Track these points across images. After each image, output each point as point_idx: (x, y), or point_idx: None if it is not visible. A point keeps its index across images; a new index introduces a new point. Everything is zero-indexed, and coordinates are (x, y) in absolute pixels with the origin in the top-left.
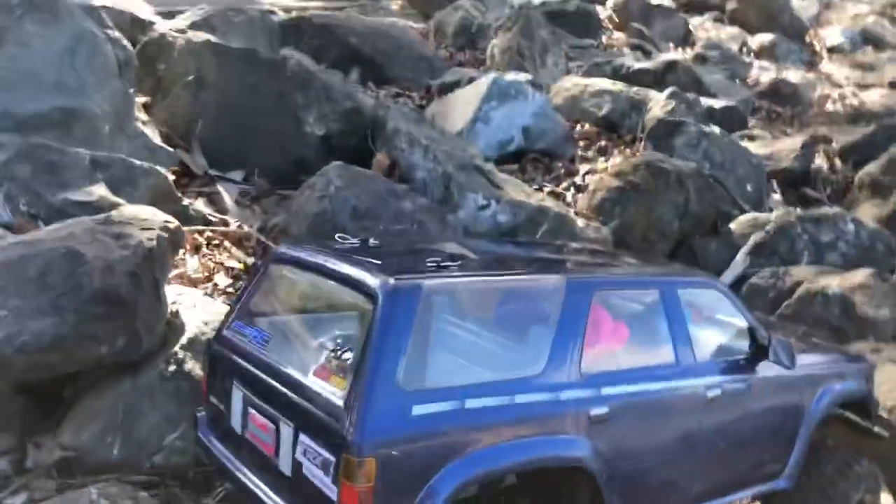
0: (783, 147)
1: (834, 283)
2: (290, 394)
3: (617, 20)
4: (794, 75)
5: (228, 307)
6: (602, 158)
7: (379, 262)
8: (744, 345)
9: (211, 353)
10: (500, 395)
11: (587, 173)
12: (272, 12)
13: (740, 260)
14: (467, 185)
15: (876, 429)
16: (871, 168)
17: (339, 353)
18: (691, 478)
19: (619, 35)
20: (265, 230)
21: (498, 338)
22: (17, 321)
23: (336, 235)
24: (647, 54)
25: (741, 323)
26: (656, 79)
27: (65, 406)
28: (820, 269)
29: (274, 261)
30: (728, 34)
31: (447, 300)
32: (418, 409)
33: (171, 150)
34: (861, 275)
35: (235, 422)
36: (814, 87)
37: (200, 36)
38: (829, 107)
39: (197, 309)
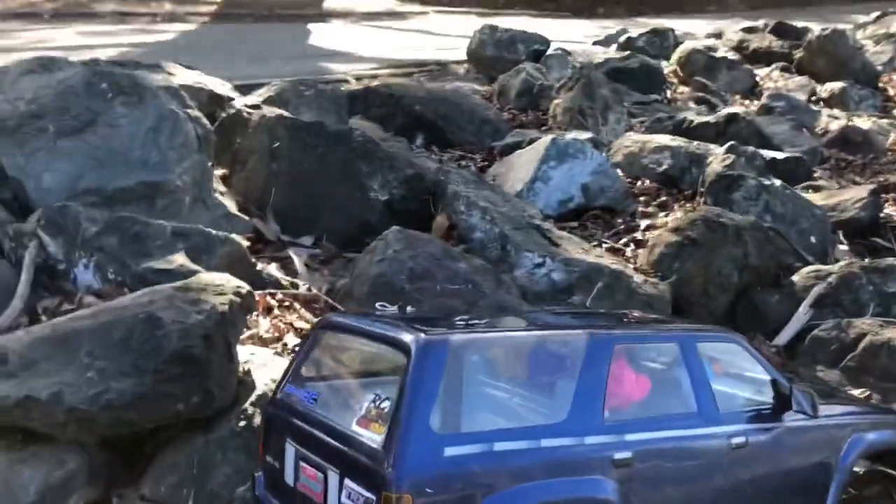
0: (849, 196)
1: None
2: (335, 443)
3: (681, 74)
4: (865, 122)
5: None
6: (662, 213)
7: (413, 323)
8: (766, 395)
9: (266, 416)
10: (526, 439)
11: (647, 229)
12: (343, 81)
13: (802, 312)
14: (523, 245)
15: None
16: None
17: (379, 402)
18: None
19: (683, 89)
20: (332, 292)
21: (525, 388)
22: (103, 381)
23: (376, 304)
24: (712, 107)
25: (763, 375)
26: (718, 132)
27: (145, 460)
28: (886, 321)
29: (320, 328)
30: (796, 83)
31: (475, 353)
32: (450, 451)
33: (246, 218)
34: None
35: (289, 476)
36: (887, 134)
37: (273, 111)
38: None
39: (267, 367)
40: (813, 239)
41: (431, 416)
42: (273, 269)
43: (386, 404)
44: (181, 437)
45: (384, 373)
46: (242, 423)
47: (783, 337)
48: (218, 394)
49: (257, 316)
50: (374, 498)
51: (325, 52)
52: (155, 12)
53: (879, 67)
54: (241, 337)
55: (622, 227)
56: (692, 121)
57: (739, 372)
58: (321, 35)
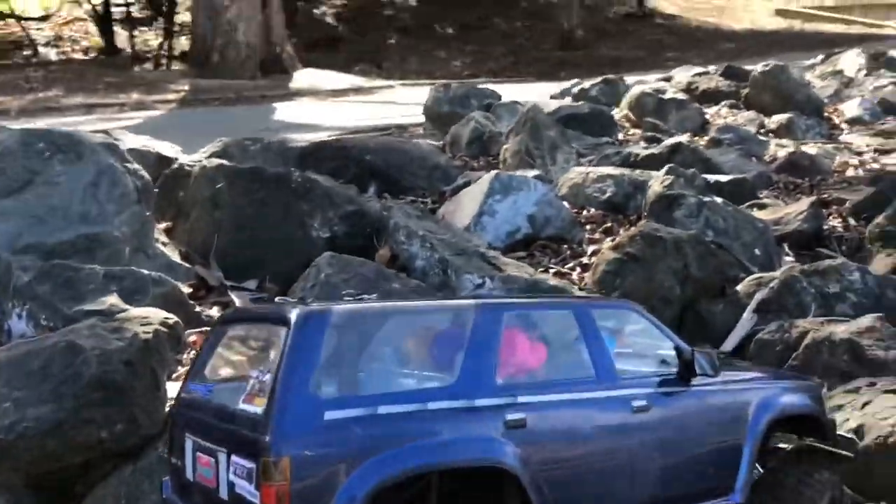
0: (791, 210)
1: (840, 329)
2: (224, 425)
3: (632, 117)
4: (812, 148)
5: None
6: (608, 239)
7: (300, 301)
8: (669, 361)
9: (171, 418)
10: (412, 402)
11: (593, 254)
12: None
13: (747, 318)
14: (464, 268)
15: (838, 449)
16: (880, 220)
17: (261, 377)
18: (628, 487)
19: (635, 131)
20: None
21: (414, 356)
22: (19, 410)
23: (343, 293)
24: (660, 143)
25: (665, 342)
26: (663, 162)
27: (76, 501)
28: (828, 320)
29: (220, 324)
30: (745, 118)
31: (359, 323)
32: (330, 415)
33: (188, 266)
34: (868, 319)
35: (189, 472)
36: (832, 158)
37: (213, 161)
38: (850, 172)
39: None
40: (757, 251)
41: (310, 382)
42: (214, 312)
43: (268, 377)
44: (112, 473)
45: (272, 351)
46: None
47: (729, 343)
48: (143, 421)
49: (195, 354)
50: (254, 466)
51: (290, 125)
52: (123, 102)
53: (825, 100)
54: (178, 374)
55: (569, 254)
56: (638, 154)
57: (643, 341)
58: (287, 112)
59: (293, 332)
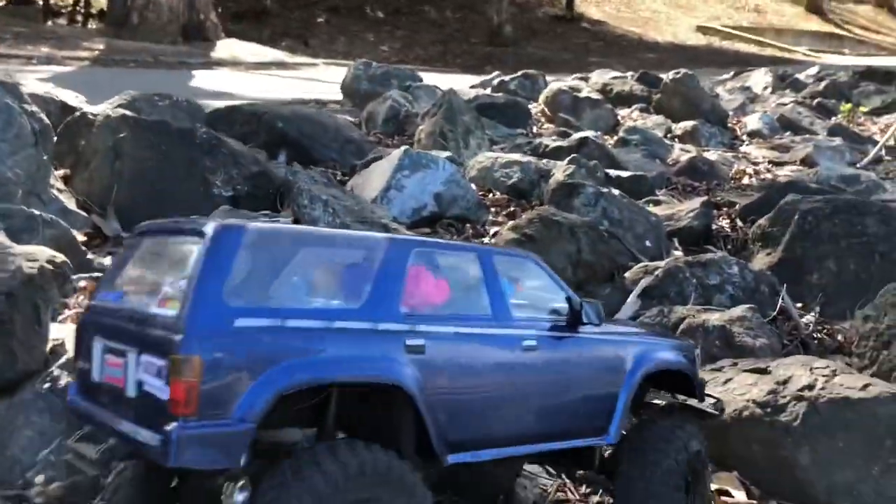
0: (684, 208)
1: (714, 317)
2: (135, 327)
3: (548, 112)
4: (712, 155)
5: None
6: (511, 222)
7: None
8: (560, 308)
9: (80, 324)
10: (319, 318)
11: (494, 235)
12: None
13: (631, 302)
14: None
15: (705, 406)
16: (762, 221)
17: (176, 283)
18: (514, 419)
19: (549, 125)
20: None
21: (325, 279)
22: None
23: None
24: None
25: (558, 292)
26: (570, 154)
27: None
28: (705, 308)
29: (135, 235)
30: (654, 122)
31: (274, 241)
32: (241, 322)
33: (85, 214)
34: (740, 310)
35: (96, 373)
36: (730, 166)
37: (118, 111)
38: (745, 180)
39: None
40: (648, 243)
41: (223, 291)
42: (106, 260)
43: (183, 283)
44: None
45: (187, 261)
46: (47, 385)
47: None
48: (21, 356)
49: (82, 299)
50: (165, 363)
51: (207, 93)
52: (31, 55)
53: (731, 111)
54: (64, 317)
55: (471, 233)
56: (547, 145)
57: (539, 290)
58: (205, 80)
59: (209, 243)
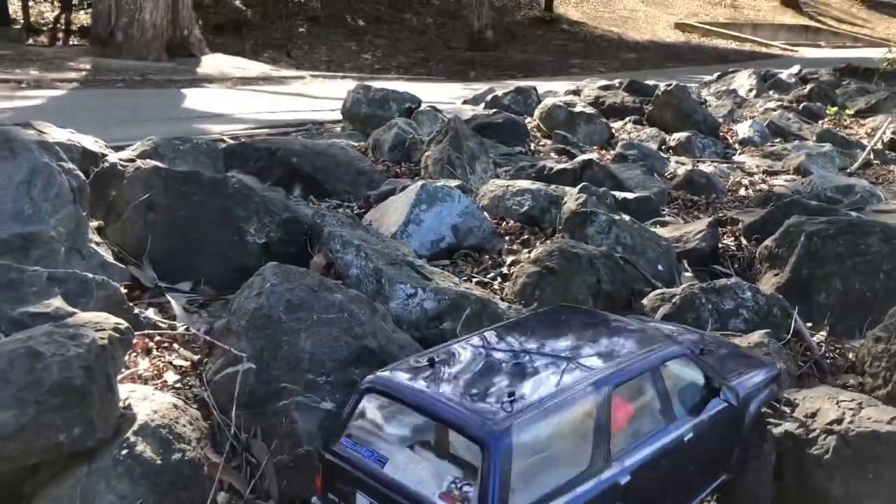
0: (691, 229)
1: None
2: None
3: (543, 128)
4: (708, 167)
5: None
6: (525, 250)
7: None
8: (702, 388)
9: (324, 461)
10: (566, 491)
11: (512, 264)
12: (221, 140)
13: None
14: (396, 278)
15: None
16: (769, 242)
17: (460, 485)
18: (676, 496)
19: (546, 141)
20: (211, 332)
21: (561, 443)
22: None
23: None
24: (571, 157)
25: (699, 374)
26: (575, 177)
27: (26, 500)
28: (722, 334)
29: (378, 393)
30: (648, 134)
31: (533, 425)
32: None
33: (122, 266)
34: (757, 335)
35: None
36: (726, 177)
37: (149, 162)
38: (742, 192)
39: (147, 401)
40: (660, 267)
41: (509, 496)
42: (150, 313)
43: (469, 490)
44: (64, 473)
45: (464, 459)
46: (125, 451)
47: None
48: (100, 425)
49: (136, 356)
50: None
51: (201, 114)
52: (20, 79)
53: (720, 119)
54: (121, 377)
55: (489, 263)
56: (552, 168)
57: (686, 375)
58: (196, 99)
59: (492, 456)
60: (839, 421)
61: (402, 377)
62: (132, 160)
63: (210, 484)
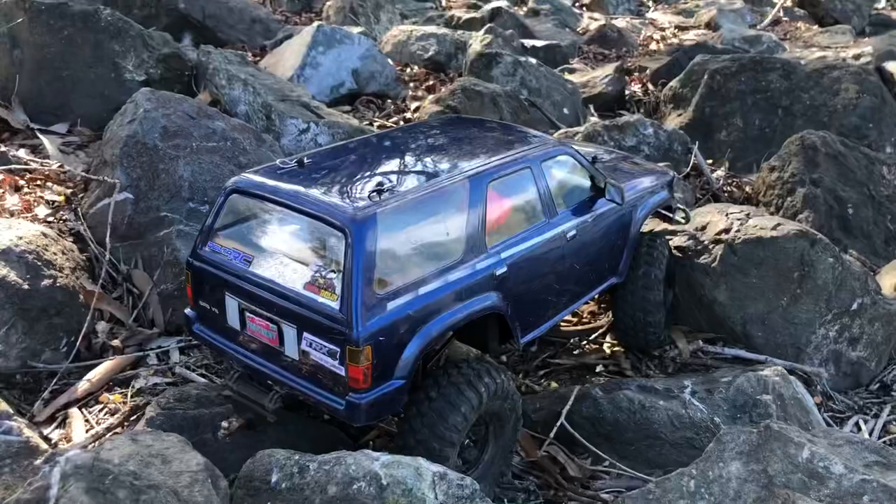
0: (598, 74)
1: None
2: (286, 303)
3: None
4: (621, 23)
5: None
6: (431, 96)
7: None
8: (587, 189)
9: (196, 270)
10: (437, 278)
11: (416, 110)
12: None
13: None
14: (288, 113)
15: (678, 217)
16: (673, 83)
17: (324, 272)
18: (560, 293)
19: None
20: (89, 170)
21: (429, 233)
22: None
23: (277, 161)
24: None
25: (586, 175)
26: (483, 24)
27: None
28: None
29: (242, 193)
30: None
31: (396, 215)
32: (391, 305)
33: None
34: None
35: (232, 322)
36: (639, 33)
37: None
38: (653, 46)
39: (12, 229)
40: (566, 110)
41: (374, 281)
42: (21, 153)
43: (332, 276)
44: None
45: (329, 250)
46: None
47: None
48: None
49: (2, 192)
50: (338, 349)
51: None
52: None
53: None
54: None
55: (393, 109)
56: (460, 17)
57: (571, 176)
58: None
59: (353, 240)
60: (727, 230)
61: (268, 176)
62: None
63: (86, 312)
